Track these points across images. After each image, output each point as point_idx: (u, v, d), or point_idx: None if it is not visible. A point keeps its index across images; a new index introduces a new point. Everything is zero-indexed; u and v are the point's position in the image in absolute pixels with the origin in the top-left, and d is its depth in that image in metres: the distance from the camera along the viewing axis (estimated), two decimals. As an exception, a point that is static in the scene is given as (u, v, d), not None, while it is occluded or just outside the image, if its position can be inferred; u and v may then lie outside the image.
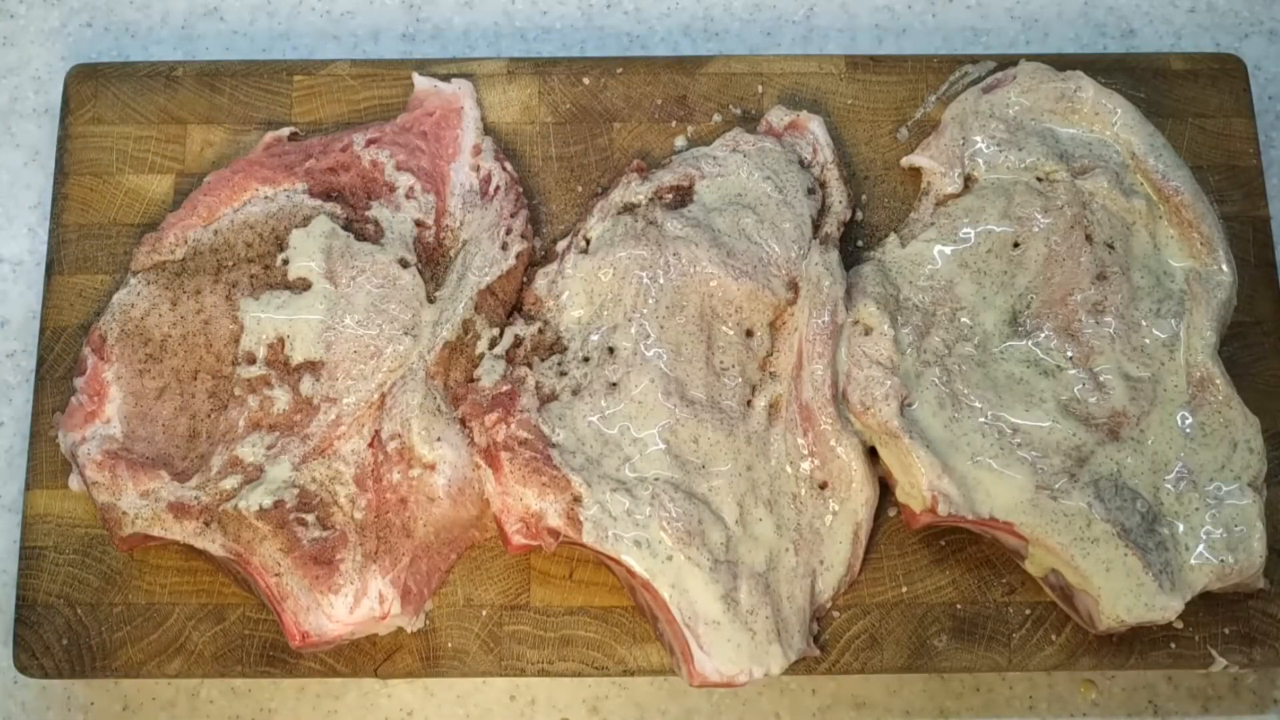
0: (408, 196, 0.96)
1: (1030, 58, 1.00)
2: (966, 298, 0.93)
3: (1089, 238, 0.94)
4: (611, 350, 0.92)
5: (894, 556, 0.93)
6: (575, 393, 0.91)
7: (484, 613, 0.91)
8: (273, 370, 0.91)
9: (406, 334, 0.91)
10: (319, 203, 0.96)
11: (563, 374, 0.92)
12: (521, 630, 0.91)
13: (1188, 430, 0.90)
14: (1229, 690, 0.97)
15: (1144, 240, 0.94)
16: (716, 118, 1.02)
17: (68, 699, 0.96)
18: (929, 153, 0.98)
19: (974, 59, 1.03)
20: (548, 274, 0.95)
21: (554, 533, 0.87)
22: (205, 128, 1.01)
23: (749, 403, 0.91)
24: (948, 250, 0.94)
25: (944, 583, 0.92)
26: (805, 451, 0.91)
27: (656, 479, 0.88)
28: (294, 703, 0.96)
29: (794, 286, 0.93)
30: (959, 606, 0.91)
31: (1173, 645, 0.91)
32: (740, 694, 0.96)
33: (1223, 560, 0.87)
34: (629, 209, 0.96)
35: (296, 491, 0.88)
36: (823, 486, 0.91)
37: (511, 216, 0.96)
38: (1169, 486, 0.89)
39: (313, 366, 0.91)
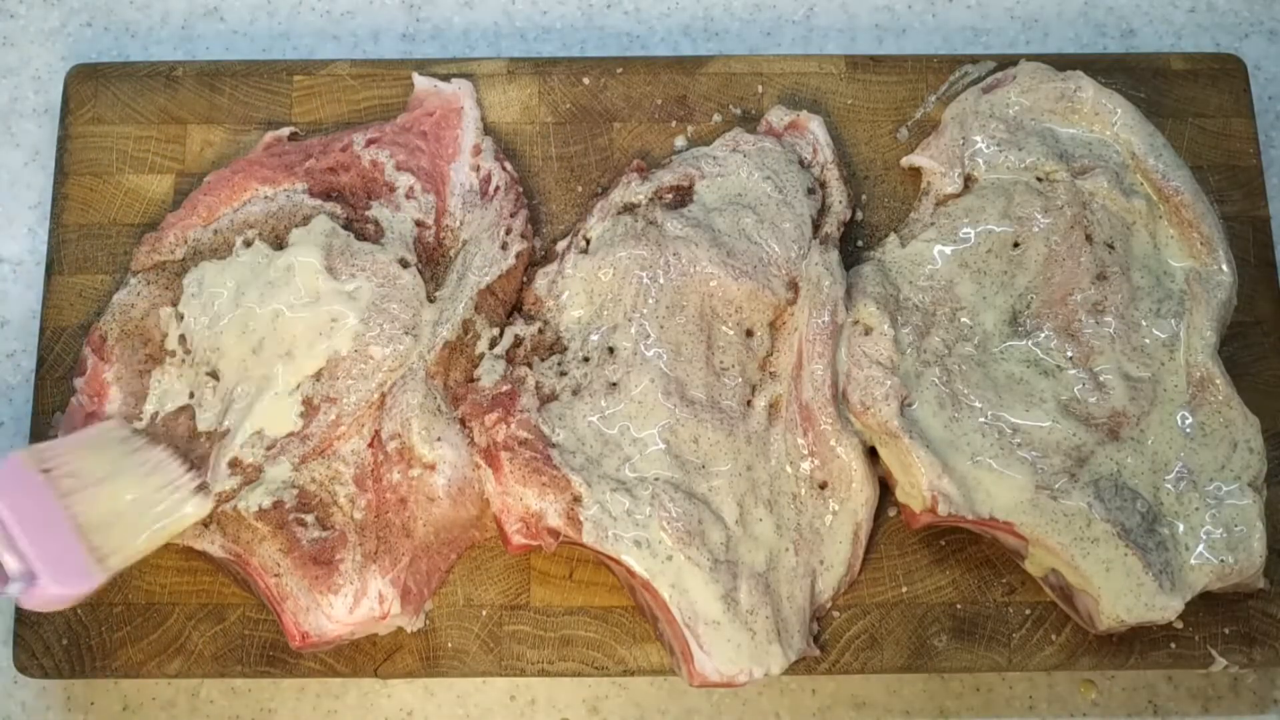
0: (408, 196, 0.96)
1: (1030, 58, 1.00)
2: (966, 298, 0.93)
3: (1089, 238, 0.94)
4: (611, 350, 0.92)
5: (894, 556, 0.93)
6: (575, 393, 0.91)
7: (484, 613, 0.91)
8: (273, 370, 0.91)
9: (407, 334, 0.91)
10: (319, 202, 0.96)
11: (563, 374, 0.92)
12: (521, 630, 0.91)
13: (1188, 430, 0.90)
14: (1229, 690, 0.97)
15: (1144, 240, 0.94)
16: (716, 118, 1.02)
17: (68, 699, 0.96)
18: (929, 153, 0.98)
19: (974, 59, 1.03)
20: (548, 274, 0.95)
21: (554, 533, 0.87)
22: (205, 128, 1.01)
23: (749, 403, 0.91)
24: (948, 250, 0.94)
25: (944, 583, 0.92)
26: (805, 451, 0.91)
27: (656, 479, 0.88)
28: (294, 703, 0.96)
29: (794, 286, 0.93)
30: (959, 606, 0.91)
31: (1173, 645, 0.91)
32: (740, 694, 0.96)
33: (1223, 560, 0.87)
34: (629, 209, 0.96)
35: (296, 492, 0.88)
36: (823, 486, 0.91)
37: (511, 216, 0.96)
38: (1169, 486, 0.89)
39: (313, 366, 0.91)
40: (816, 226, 0.96)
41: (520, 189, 0.98)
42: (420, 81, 1.01)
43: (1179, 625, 0.90)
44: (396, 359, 0.90)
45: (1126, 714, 0.96)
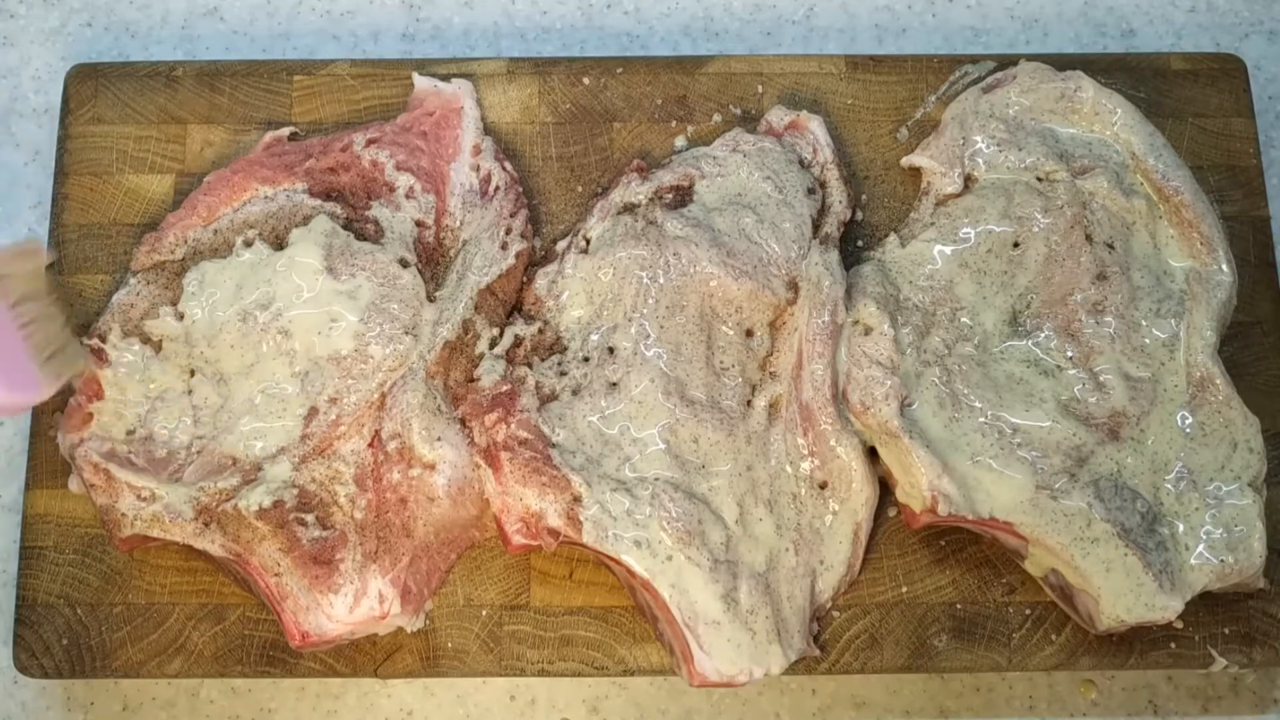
0: (408, 196, 0.96)
1: (1030, 58, 1.00)
2: (966, 298, 0.93)
3: (1089, 238, 0.94)
4: (611, 350, 0.92)
5: (894, 556, 0.93)
6: (575, 393, 0.91)
7: (484, 613, 0.91)
8: (273, 370, 0.91)
9: (407, 333, 0.91)
10: (319, 202, 0.96)
11: (563, 374, 0.92)
12: (521, 630, 0.91)
13: (1188, 430, 0.90)
14: (1229, 690, 0.97)
15: (1144, 240, 0.94)
16: (716, 118, 1.02)
17: (68, 699, 0.96)
18: (929, 153, 0.98)
19: (974, 59, 1.03)
20: (548, 274, 0.95)
21: (554, 533, 0.87)
22: (205, 128, 1.01)
23: (749, 403, 0.91)
24: (948, 250, 0.94)
25: (944, 583, 0.92)
26: (805, 451, 0.91)
27: (656, 479, 0.88)
28: (294, 703, 0.96)
29: (794, 286, 0.93)
30: (959, 606, 0.91)
31: (1173, 645, 0.91)
32: (740, 694, 0.96)
33: (1223, 560, 0.87)
34: (629, 209, 0.96)
35: (296, 491, 0.88)
36: (823, 486, 0.91)
37: (511, 216, 0.96)
38: (1169, 486, 0.89)
39: (313, 366, 0.91)
40: (816, 226, 0.96)
41: (520, 189, 0.98)
42: (420, 81, 1.01)
43: (1179, 625, 0.90)
44: (396, 359, 0.90)
45: (1126, 714, 0.96)
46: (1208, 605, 0.91)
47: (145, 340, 0.93)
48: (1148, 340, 0.92)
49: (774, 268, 0.93)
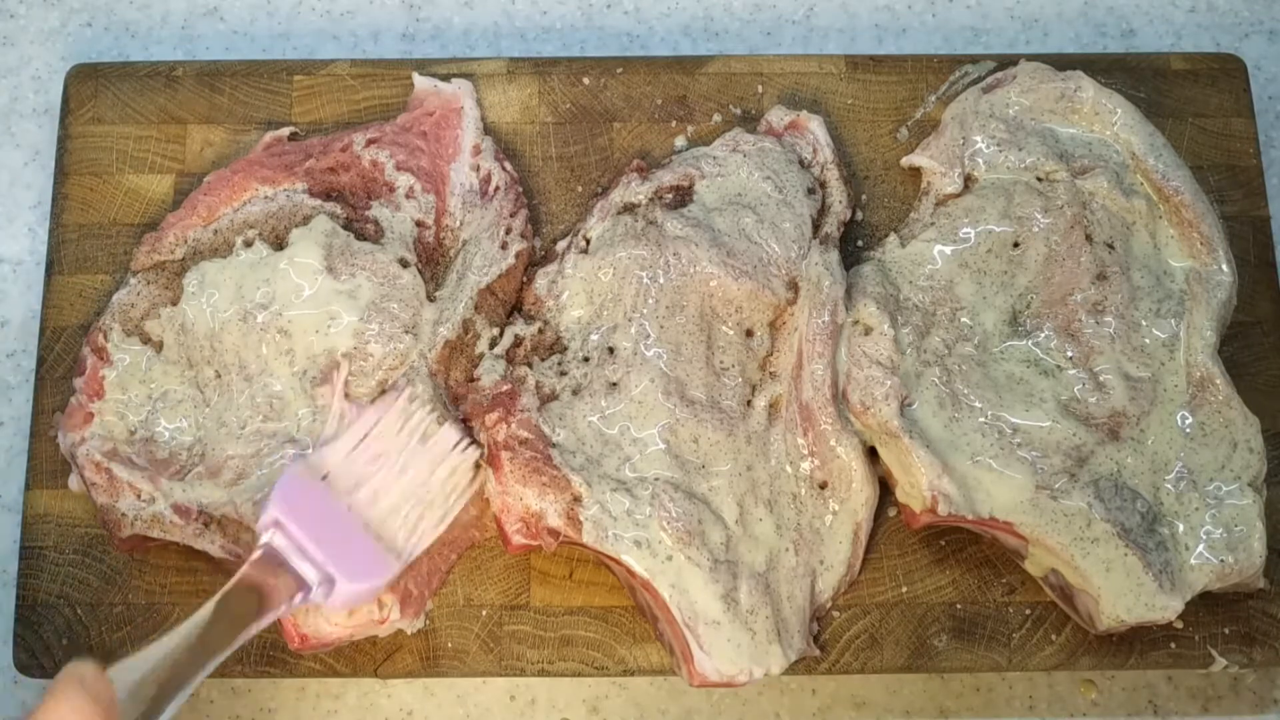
0: (408, 196, 0.96)
1: (1030, 58, 1.00)
2: (966, 298, 0.93)
3: (1089, 238, 0.94)
4: (611, 350, 0.92)
5: (894, 556, 0.93)
6: (575, 392, 0.91)
7: (484, 613, 0.91)
8: (273, 370, 0.91)
9: (407, 333, 0.91)
10: (319, 202, 0.96)
11: (563, 374, 0.92)
12: (521, 630, 0.91)
13: (1188, 430, 0.90)
14: (1229, 690, 0.97)
15: (1144, 240, 0.94)
16: (716, 118, 1.02)
17: (68, 699, 0.96)
18: (929, 153, 0.98)
19: (974, 59, 1.03)
20: (548, 274, 0.95)
21: (554, 533, 0.87)
22: (205, 128, 1.01)
23: (749, 403, 0.91)
24: (948, 250, 0.94)
25: (944, 583, 0.92)
26: (805, 451, 0.91)
27: (656, 479, 0.88)
28: (294, 703, 0.96)
29: (794, 286, 0.93)
30: (959, 606, 0.91)
31: (1173, 645, 0.91)
32: (740, 694, 0.96)
33: (1223, 560, 0.87)
34: (629, 209, 0.96)
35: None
36: (823, 486, 0.91)
37: (511, 216, 0.96)
38: (1169, 486, 0.89)
39: (313, 366, 0.91)
40: (816, 226, 0.96)
41: (520, 189, 0.98)
42: (420, 81, 1.01)
43: (1179, 625, 0.90)
44: (396, 358, 0.90)
45: (1126, 714, 0.96)
46: (1208, 605, 0.91)
47: (146, 340, 0.93)
48: (1148, 340, 0.92)
49: (774, 268, 0.93)
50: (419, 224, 0.96)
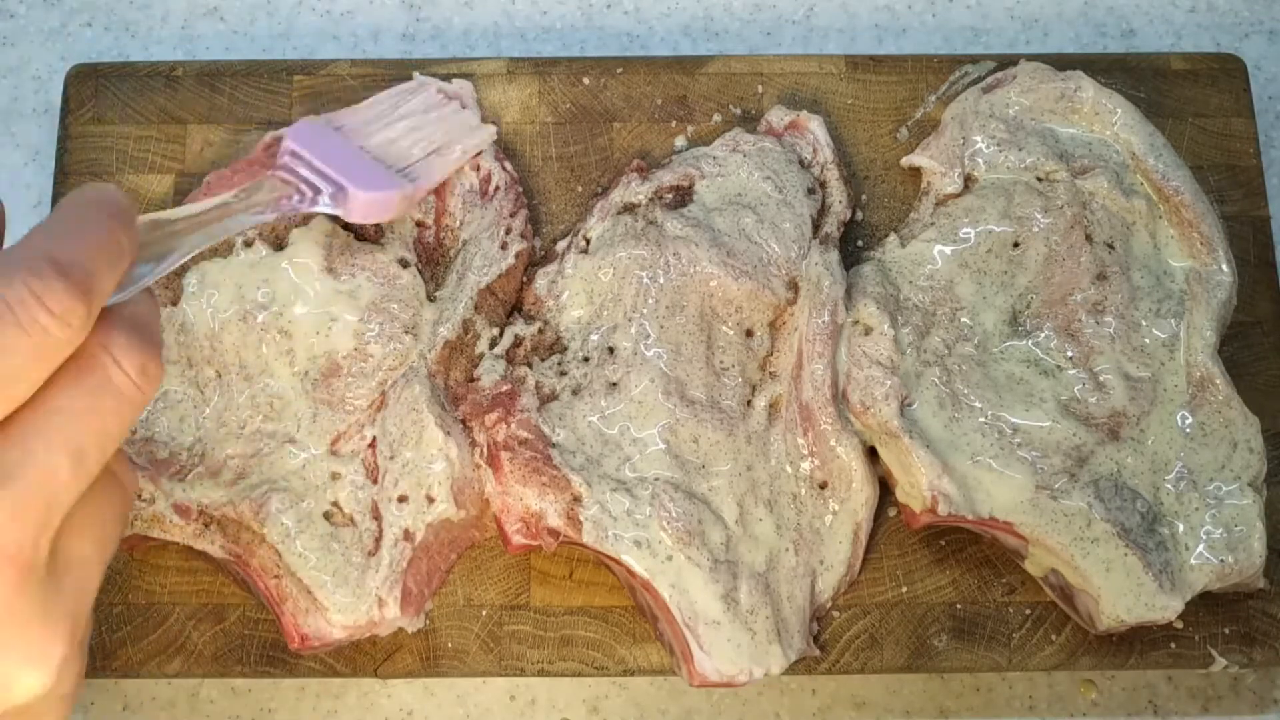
0: (408, 196, 0.96)
1: (1030, 58, 1.00)
2: (966, 298, 0.93)
3: (1089, 238, 0.94)
4: (611, 350, 0.92)
5: (894, 556, 0.93)
6: (575, 393, 0.91)
7: (484, 613, 0.91)
8: (273, 370, 0.91)
9: (407, 333, 0.91)
10: (319, 202, 0.96)
11: (563, 374, 0.92)
12: (521, 630, 0.91)
13: (1188, 430, 0.90)
14: (1229, 690, 0.97)
15: (1144, 240, 0.94)
16: (716, 118, 1.02)
17: (68, 699, 0.96)
18: (929, 153, 0.98)
19: (974, 59, 1.03)
20: (548, 274, 0.95)
21: (554, 533, 0.87)
22: (205, 128, 1.01)
23: (749, 403, 0.91)
24: (948, 250, 0.94)
25: (944, 583, 0.92)
26: (805, 451, 0.91)
27: (656, 479, 0.88)
28: (294, 703, 0.96)
29: (794, 286, 0.93)
30: (959, 606, 0.92)
31: (1173, 645, 0.91)
32: (740, 694, 0.96)
33: (1223, 560, 0.87)
34: (629, 209, 0.96)
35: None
36: (823, 486, 0.91)
37: (511, 216, 0.96)
38: (1169, 486, 0.89)
39: (313, 366, 0.91)
40: (816, 226, 0.96)
41: (520, 189, 0.98)
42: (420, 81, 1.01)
43: (1179, 625, 0.90)
44: (396, 358, 0.90)
45: (1126, 714, 0.96)
46: (1208, 605, 0.91)
47: (145, 340, 0.93)
48: (1148, 340, 0.92)
49: (774, 268, 0.93)
50: (419, 224, 0.96)
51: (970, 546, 0.93)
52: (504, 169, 0.98)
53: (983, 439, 0.89)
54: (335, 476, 0.89)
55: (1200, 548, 0.87)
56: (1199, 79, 1.03)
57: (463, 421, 0.91)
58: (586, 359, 0.92)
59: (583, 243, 0.96)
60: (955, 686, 0.97)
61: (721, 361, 0.92)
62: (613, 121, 1.01)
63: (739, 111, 1.02)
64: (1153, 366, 0.91)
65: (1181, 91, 1.02)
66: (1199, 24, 1.13)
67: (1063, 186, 0.94)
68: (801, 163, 0.97)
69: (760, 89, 1.02)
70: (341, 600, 0.86)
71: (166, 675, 0.90)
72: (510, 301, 0.95)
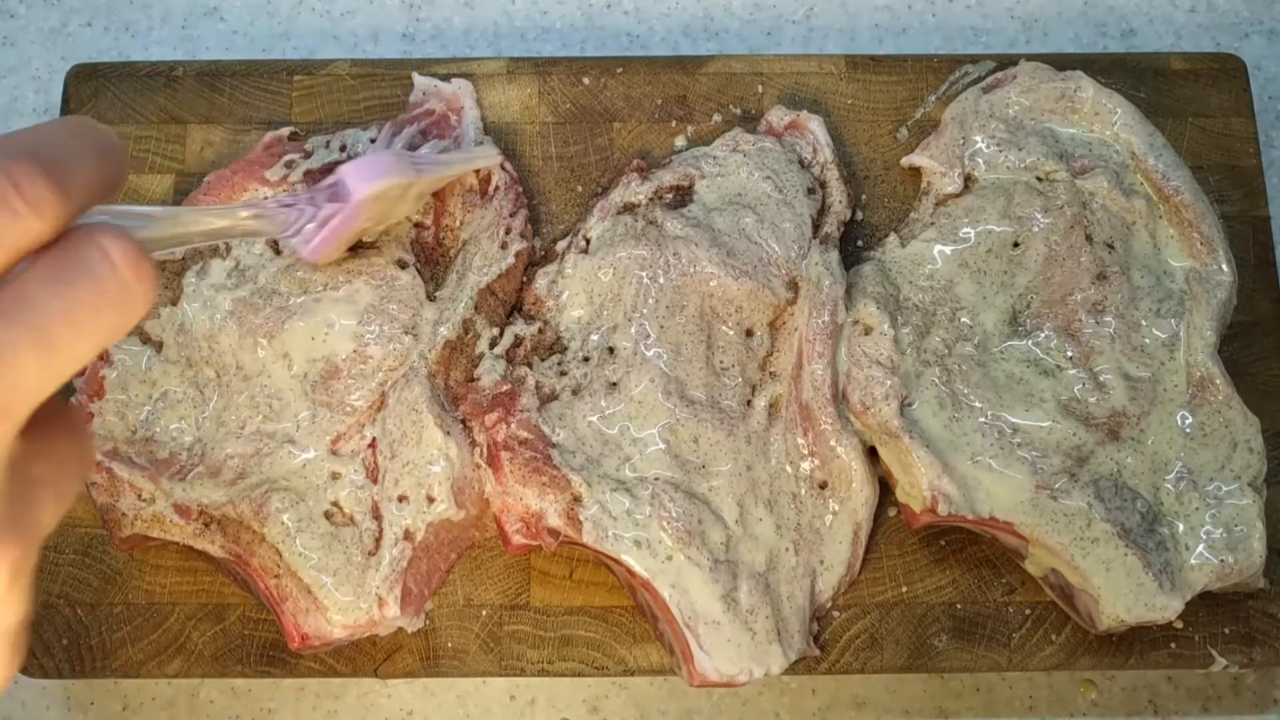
0: (408, 196, 0.96)
1: (1030, 58, 1.00)
2: (966, 298, 0.93)
3: (1089, 238, 0.94)
4: (611, 350, 0.92)
5: (894, 556, 0.93)
6: (575, 392, 0.91)
7: (484, 613, 0.91)
8: (273, 370, 0.91)
9: (406, 333, 0.91)
10: (319, 202, 0.96)
11: (563, 374, 0.92)
12: (521, 630, 0.91)
13: (1188, 430, 0.90)
14: (1229, 690, 0.97)
15: (1144, 240, 0.94)
16: (716, 118, 1.02)
17: (68, 699, 0.96)
18: (929, 153, 0.98)
19: (974, 59, 1.03)
20: (548, 274, 0.95)
21: (554, 533, 0.87)
22: (205, 128, 1.01)
23: (749, 403, 0.91)
24: (948, 250, 0.94)
25: (944, 583, 0.92)
26: (805, 451, 0.91)
27: (656, 479, 0.88)
28: (294, 703, 0.96)
29: (794, 286, 0.93)
30: (959, 606, 0.92)
31: (1173, 645, 0.91)
32: (740, 694, 0.96)
33: (1223, 560, 0.87)
34: (629, 209, 0.96)
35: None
36: (823, 486, 0.91)
37: (511, 216, 0.96)
38: (1169, 486, 0.89)
39: (313, 366, 0.91)
40: (816, 226, 0.96)
41: (520, 189, 0.98)
42: (420, 81, 1.01)
43: (1179, 625, 0.90)
44: (396, 358, 0.90)
45: (1126, 714, 0.96)
46: (1208, 605, 0.91)
47: (146, 340, 0.93)
48: (1148, 340, 0.92)
49: (774, 268, 0.93)
50: (418, 224, 0.96)
51: (970, 546, 0.93)
52: (504, 169, 0.98)
53: (983, 439, 0.89)
54: (335, 476, 0.89)
55: (1200, 548, 0.87)
56: (1199, 79, 1.03)
57: (463, 421, 0.91)
58: (586, 359, 0.92)
59: (583, 243, 0.96)
60: (955, 686, 0.97)
61: (721, 361, 0.92)
62: (613, 121, 1.01)
63: (739, 111, 1.02)
64: (1153, 366, 0.91)
65: (1181, 91, 1.02)
66: (1199, 24, 1.13)
67: (1063, 186, 0.94)
68: (801, 163, 0.97)
69: (760, 89, 1.02)
70: (342, 600, 0.86)
71: (166, 675, 0.90)
72: (510, 301, 0.95)
